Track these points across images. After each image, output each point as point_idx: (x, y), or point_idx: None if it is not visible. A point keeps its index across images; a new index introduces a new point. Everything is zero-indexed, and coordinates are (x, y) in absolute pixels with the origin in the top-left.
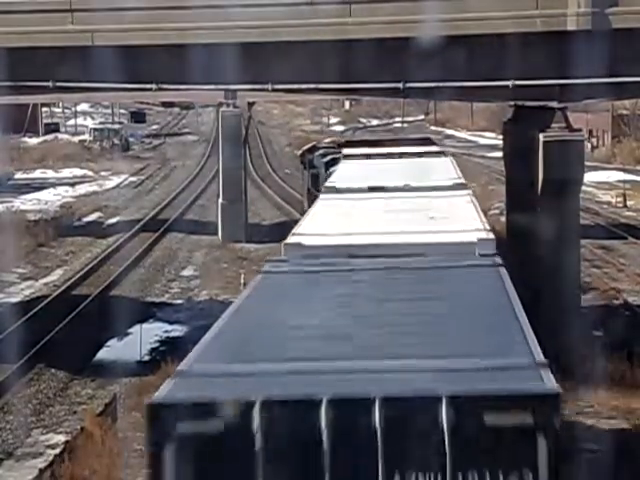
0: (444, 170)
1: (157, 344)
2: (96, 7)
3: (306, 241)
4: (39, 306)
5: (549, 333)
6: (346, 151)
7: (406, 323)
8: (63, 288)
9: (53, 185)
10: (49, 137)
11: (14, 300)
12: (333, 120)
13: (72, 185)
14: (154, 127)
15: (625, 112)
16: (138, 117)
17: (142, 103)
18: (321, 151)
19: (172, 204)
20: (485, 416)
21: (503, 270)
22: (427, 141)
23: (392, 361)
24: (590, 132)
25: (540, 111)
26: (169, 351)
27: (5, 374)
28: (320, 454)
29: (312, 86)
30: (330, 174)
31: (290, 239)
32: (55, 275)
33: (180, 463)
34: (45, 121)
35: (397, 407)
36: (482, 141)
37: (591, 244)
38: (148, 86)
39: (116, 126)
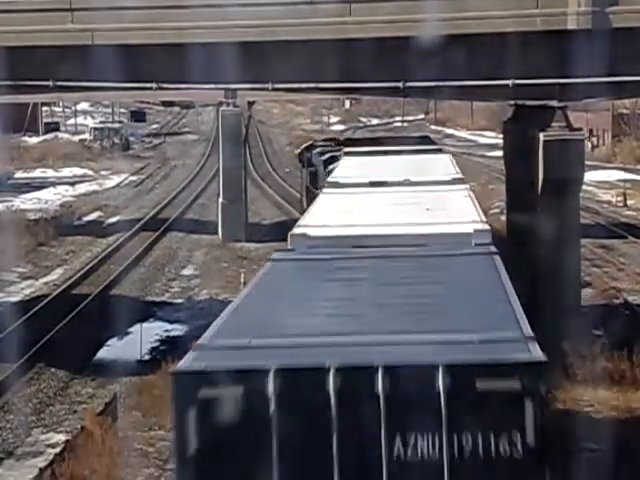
0: (442, 166)
1: (157, 343)
2: (96, 6)
3: (311, 232)
4: (39, 305)
5: (549, 332)
6: (347, 148)
7: (406, 304)
8: (63, 287)
9: (53, 184)
10: (49, 136)
11: (14, 299)
12: (333, 119)
13: (72, 184)
14: (154, 126)
15: (625, 111)
16: (138, 116)
17: (142, 102)
18: (319, 149)
19: (172, 203)
20: (477, 383)
21: (497, 258)
22: (425, 139)
23: (393, 335)
24: (590, 131)
25: (540, 110)
26: (169, 350)
27: (5, 373)
28: (328, 417)
29: (312, 85)
30: (329, 172)
31: (295, 230)
32: (55, 274)
33: (202, 424)
34: (45, 120)
35: (398, 374)
36: (482, 140)
37: (591, 243)
38: (148, 85)
39: (116, 125)
